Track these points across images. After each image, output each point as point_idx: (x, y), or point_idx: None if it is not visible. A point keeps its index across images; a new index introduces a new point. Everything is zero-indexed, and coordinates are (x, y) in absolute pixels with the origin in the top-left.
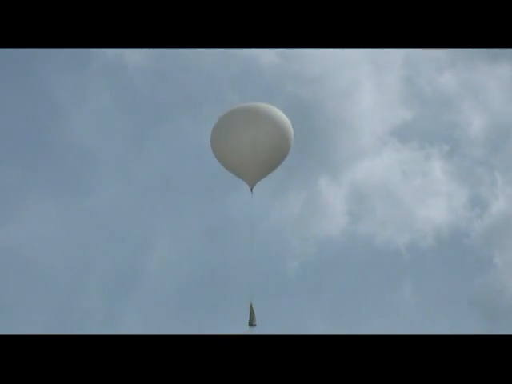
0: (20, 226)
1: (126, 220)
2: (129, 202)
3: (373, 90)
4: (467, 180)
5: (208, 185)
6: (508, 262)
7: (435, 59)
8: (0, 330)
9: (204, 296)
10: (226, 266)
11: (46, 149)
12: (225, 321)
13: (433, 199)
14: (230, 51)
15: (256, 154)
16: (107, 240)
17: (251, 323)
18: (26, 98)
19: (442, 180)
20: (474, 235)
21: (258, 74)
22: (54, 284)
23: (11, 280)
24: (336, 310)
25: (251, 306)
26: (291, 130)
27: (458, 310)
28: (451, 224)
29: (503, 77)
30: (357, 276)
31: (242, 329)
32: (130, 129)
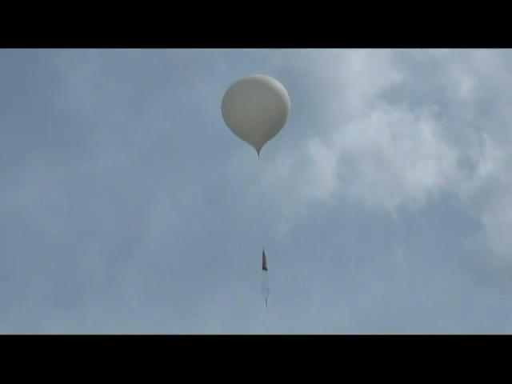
0: (20, 191)
1: (126, 184)
2: (129, 167)
3: (362, 53)
4: (456, 142)
5: (207, 149)
6: (496, 222)
7: None
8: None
9: (205, 259)
10: (226, 229)
11: (45, 114)
12: (226, 283)
13: (422, 161)
14: None
15: (264, 115)
16: (107, 205)
17: (264, 267)
18: (24, 63)
19: (431, 142)
20: (463, 196)
21: None
22: (54, 249)
23: (11, 244)
24: (326, 274)
25: (263, 252)
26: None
27: (449, 271)
28: (441, 186)
29: None
30: (348, 240)
31: (245, 291)
32: (127, 93)
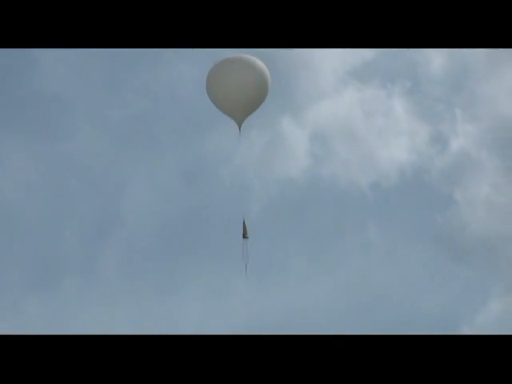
0: None
1: (103, 164)
2: (105, 146)
3: None
4: (428, 118)
5: (184, 128)
6: (469, 198)
7: None
8: None
9: (182, 237)
10: (203, 206)
11: (21, 94)
12: (205, 260)
13: (395, 138)
14: None
15: (244, 90)
16: (84, 184)
17: (244, 235)
18: None
19: (403, 118)
20: (436, 172)
21: None
22: (31, 229)
23: None
24: (302, 251)
25: (244, 221)
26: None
27: (423, 247)
28: (414, 162)
29: None
30: (322, 217)
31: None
32: (103, 73)
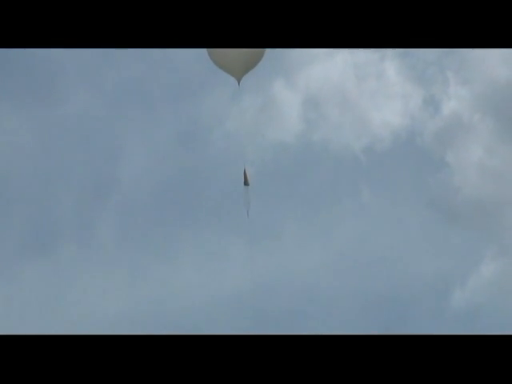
0: None
1: (98, 128)
2: (101, 110)
3: None
4: (421, 81)
5: (179, 92)
6: (461, 161)
7: None
8: None
9: (179, 201)
10: (200, 170)
11: (13, 60)
12: (202, 225)
13: (388, 101)
14: None
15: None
16: (80, 149)
17: (246, 183)
18: None
19: (396, 82)
20: (429, 135)
21: None
22: (27, 195)
23: None
24: (297, 216)
25: (244, 170)
26: None
27: (416, 210)
28: (407, 126)
29: None
30: (315, 182)
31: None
32: None
